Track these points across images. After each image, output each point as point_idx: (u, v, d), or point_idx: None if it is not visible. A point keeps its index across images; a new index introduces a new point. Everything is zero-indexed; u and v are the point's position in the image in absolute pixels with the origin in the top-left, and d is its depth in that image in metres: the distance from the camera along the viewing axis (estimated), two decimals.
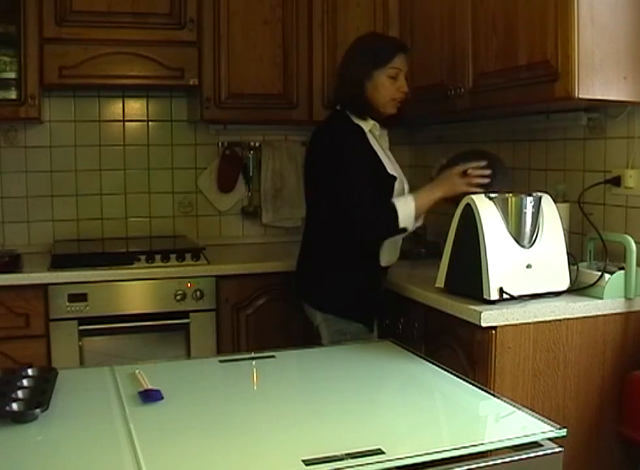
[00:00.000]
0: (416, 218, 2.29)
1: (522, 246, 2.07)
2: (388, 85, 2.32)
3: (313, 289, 2.43)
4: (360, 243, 2.32)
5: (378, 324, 2.47)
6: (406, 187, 2.43)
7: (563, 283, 2.11)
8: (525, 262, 2.06)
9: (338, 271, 2.34)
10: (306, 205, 2.47)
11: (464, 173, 2.26)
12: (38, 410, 1.42)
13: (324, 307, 2.36)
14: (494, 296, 2.01)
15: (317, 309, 2.38)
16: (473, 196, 2.09)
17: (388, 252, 2.40)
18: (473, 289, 2.06)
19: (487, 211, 2.06)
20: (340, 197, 2.25)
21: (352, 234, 2.28)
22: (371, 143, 2.35)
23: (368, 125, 2.35)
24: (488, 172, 2.26)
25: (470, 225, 2.08)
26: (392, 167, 2.39)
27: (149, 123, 3.40)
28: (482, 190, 2.19)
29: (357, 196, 2.24)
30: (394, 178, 2.34)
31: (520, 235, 2.07)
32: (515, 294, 2.03)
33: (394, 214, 2.24)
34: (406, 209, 2.25)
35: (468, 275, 2.08)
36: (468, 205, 2.10)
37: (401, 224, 2.25)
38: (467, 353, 2.06)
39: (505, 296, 2.02)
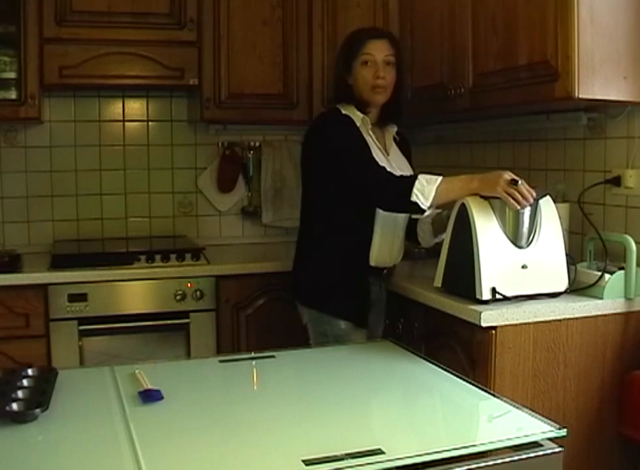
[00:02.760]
0: (437, 200, 2.08)
1: (519, 246, 2.06)
2: (364, 73, 2.32)
3: (301, 285, 2.45)
4: (356, 233, 2.31)
5: (373, 324, 2.44)
6: None
7: (561, 284, 2.10)
8: (520, 262, 2.05)
9: (324, 267, 2.35)
10: (301, 203, 2.47)
11: (513, 183, 2.01)
12: (38, 410, 1.42)
13: (309, 302, 2.39)
14: (486, 295, 2.01)
15: (302, 305, 2.42)
16: (468, 197, 2.09)
17: (379, 252, 2.36)
18: (467, 289, 2.06)
19: (481, 211, 2.06)
20: (348, 167, 2.23)
21: (366, 198, 2.25)
22: (363, 133, 2.33)
23: (358, 119, 2.34)
24: (531, 200, 2.01)
25: (464, 225, 2.07)
26: (384, 160, 2.33)
27: (149, 123, 3.40)
28: (514, 207, 2.01)
29: (367, 160, 2.23)
30: (384, 169, 2.25)
31: (517, 235, 2.07)
32: (508, 294, 2.03)
33: (410, 182, 2.09)
34: (426, 184, 2.07)
35: (463, 275, 2.08)
36: (463, 205, 2.10)
37: (413, 197, 2.07)
38: (467, 353, 2.06)
39: (497, 296, 2.01)
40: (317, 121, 2.47)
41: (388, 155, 2.41)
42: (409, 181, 2.10)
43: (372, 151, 2.30)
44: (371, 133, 2.37)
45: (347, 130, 2.30)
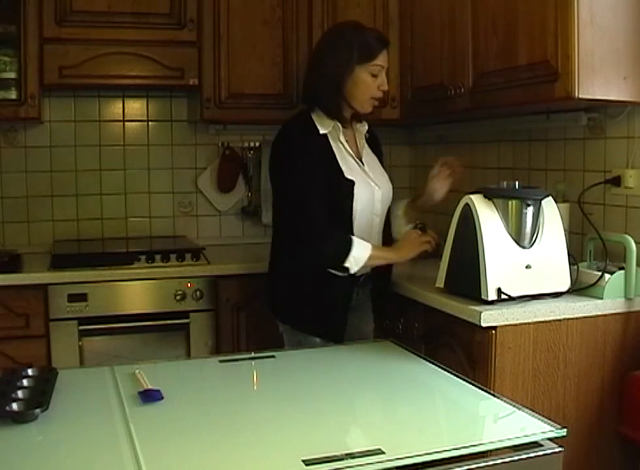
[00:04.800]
0: (364, 266, 2.20)
1: (522, 246, 2.07)
2: (370, 83, 2.24)
3: (275, 297, 2.38)
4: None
5: (357, 325, 2.40)
6: (379, 192, 2.31)
7: (564, 284, 2.10)
8: (524, 262, 2.06)
9: (299, 281, 2.27)
10: (272, 212, 2.41)
11: (423, 230, 2.28)
12: (38, 410, 1.42)
13: (283, 317, 2.34)
14: (492, 296, 2.01)
15: (276, 318, 2.37)
16: (472, 196, 2.09)
17: None
18: (471, 290, 2.06)
19: (486, 211, 2.06)
20: (294, 213, 2.21)
21: (302, 250, 2.24)
22: (332, 145, 2.25)
23: (327, 127, 2.25)
24: (436, 238, 2.31)
25: (469, 226, 2.07)
26: (357, 169, 2.28)
27: (149, 123, 3.40)
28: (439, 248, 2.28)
29: (310, 215, 2.18)
30: (352, 182, 2.21)
31: (520, 235, 2.07)
32: (514, 294, 2.03)
33: (347, 248, 2.16)
34: (361, 252, 2.18)
35: (467, 275, 2.08)
36: (467, 205, 2.10)
37: (347, 263, 2.16)
38: (467, 353, 2.06)
39: (503, 296, 2.01)
40: (284, 133, 2.29)
41: (361, 158, 2.33)
42: (346, 246, 2.17)
43: (340, 161, 2.24)
44: (342, 140, 2.28)
45: (310, 159, 2.20)
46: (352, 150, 2.31)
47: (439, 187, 2.41)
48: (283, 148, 2.27)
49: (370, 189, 2.29)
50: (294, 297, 2.31)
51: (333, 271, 2.23)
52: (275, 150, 2.31)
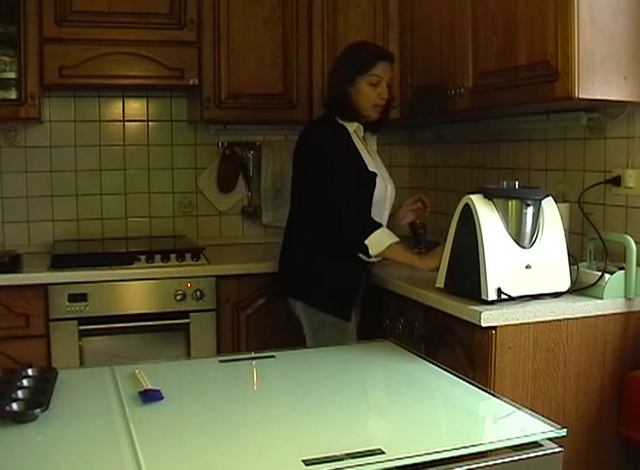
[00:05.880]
0: (383, 254, 2.35)
1: (522, 246, 2.07)
2: (369, 92, 2.46)
3: (293, 281, 2.56)
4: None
5: (360, 316, 2.58)
6: (390, 187, 2.57)
7: (564, 284, 2.10)
8: (524, 262, 2.06)
9: (317, 264, 2.48)
10: (291, 201, 2.60)
11: (423, 230, 2.57)
12: (38, 410, 1.42)
13: (303, 298, 2.50)
14: (492, 296, 2.01)
15: (296, 300, 2.52)
16: (472, 196, 2.09)
17: None
18: (471, 289, 2.06)
19: (486, 211, 2.06)
20: (330, 197, 2.39)
21: (334, 228, 2.42)
22: (355, 142, 2.48)
23: (352, 127, 2.50)
24: None
25: (469, 226, 2.07)
26: (373, 165, 2.51)
27: (149, 123, 3.40)
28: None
29: (345, 196, 2.38)
30: (374, 174, 2.46)
31: (520, 235, 2.07)
32: (514, 294, 2.03)
33: (372, 229, 2.33)
34: (383, 238, 2.33)
35: (467, 275, 2.08)
36: (467, 205, 2.10)
37: (367, 241, 2.31)
38: (467, 353, 2.06)
39: (503, 296, 2.01)
40: (315, 128, 2.55)
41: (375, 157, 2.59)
42: (372, 227, 2.34)
43: (363, 156, 2.48)
44: (362, 140, 2.54)
45: (341, 151, 2.43)
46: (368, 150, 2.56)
47: (403, 216, 2.69)
48: (315, 144, 2.47)
49: (384, 184, 2.52)
50: (309, 275, 2.49)
51: (360, 254, 2.39)
52: (311, 142, 2.49)
